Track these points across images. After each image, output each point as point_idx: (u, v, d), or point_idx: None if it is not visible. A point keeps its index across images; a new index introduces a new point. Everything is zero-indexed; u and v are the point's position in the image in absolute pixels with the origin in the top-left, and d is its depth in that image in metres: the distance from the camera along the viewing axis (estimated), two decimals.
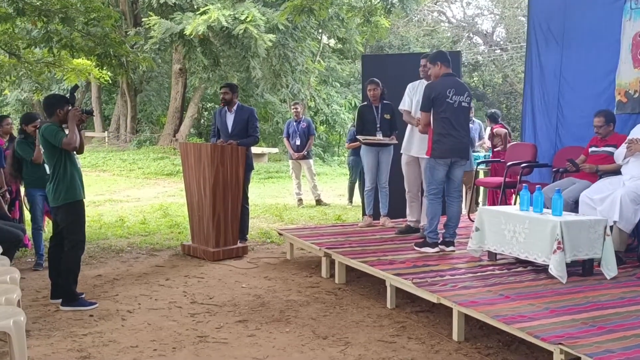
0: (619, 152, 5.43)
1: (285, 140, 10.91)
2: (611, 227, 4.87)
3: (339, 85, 25.21)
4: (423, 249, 5.54)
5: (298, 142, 10.56)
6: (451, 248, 5.57)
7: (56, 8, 7.44)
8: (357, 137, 7.05)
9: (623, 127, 5.84)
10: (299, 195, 10.80)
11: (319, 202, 10.87)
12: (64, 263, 4.78)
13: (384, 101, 6.84)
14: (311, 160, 10.94)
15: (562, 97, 6.97)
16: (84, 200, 4.88)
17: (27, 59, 9.40)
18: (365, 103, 6.99)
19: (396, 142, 6.70)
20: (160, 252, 6.88)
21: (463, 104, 5.49)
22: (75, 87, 5.29)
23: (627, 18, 6.18)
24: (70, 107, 4.78)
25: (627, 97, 6.18)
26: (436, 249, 5.52)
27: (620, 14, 6.21)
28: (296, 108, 10.83)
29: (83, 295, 4.92)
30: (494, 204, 7.94)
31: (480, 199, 9.50)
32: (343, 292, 5.22)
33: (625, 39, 6.17)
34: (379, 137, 6.70)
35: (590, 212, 5.10)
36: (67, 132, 4.71)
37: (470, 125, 9.73)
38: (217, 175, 6.31)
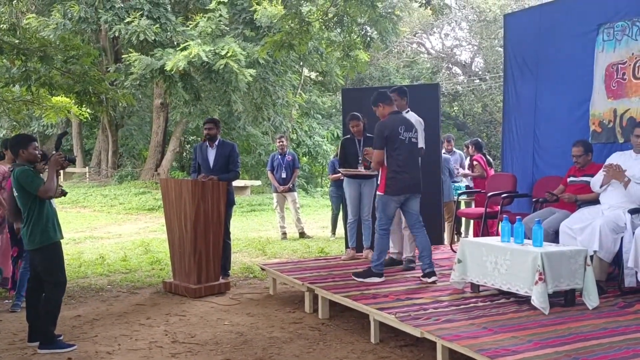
0: (596, 180, 5.49)
1: (269, 173, 10.90)
2: (591, 257, 4.90)
3: (320, 117, 25.38)
4: (368, 280, 5.60)
5: (284, 175, 10.56)
6: (433, 278, 5.56)
7: (35, 47, 7.45)
8: (339, 169, 7.08)
9: (598, 156, 5.92)
10: (283, 229, 10.77)
11: (302, 234, 10.84)
12: (43, 305, 4.68)
13: (367, 134, 6.88)
14: (296, 193, 10.93)
15: (538, 127, 7.07)
16: (60, 241, 4.81)
17: (5, 97, 9.35)
18: (348, 136, 7.04)
19: (377, 173, 6.73)
20: (141, 290, 6.78)
21: (413, 139, 5.72)
22: (65, 133, 5.30)
23: (599, 49, 6.32)
24: (54, 152, 4.74)
25: (601, 127, 6.29)
26: (382, 279, 5.64)
27: (593, 46, 6.36)
28: (281, 141, 10.87)
29: (61, 337, 4.81)
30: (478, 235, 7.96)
31: (463, 229, 9.54)
32: (327, 328, 5.17)
33: (598, 70, 6.31)
34: (361, 169, 6.72)
35: (570, 242, 5.13)
36: (41, 174, 4.67)
37: (450, 156, 9.86)
38: (198, 211, 6.27)
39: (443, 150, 10.19)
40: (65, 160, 4.75)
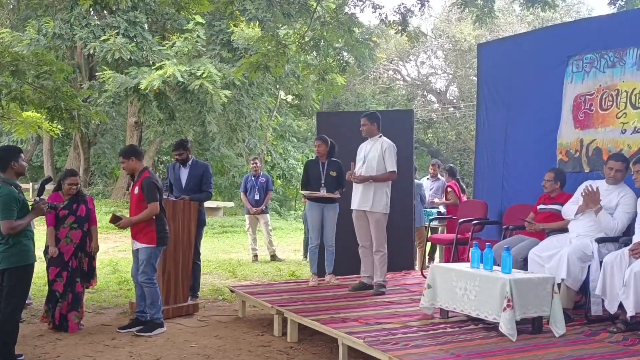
0: (568, 208, 5.56)
1: (242, 195, 10.84)
2: (559, 285, 4.94)
3: (295, 140, 25.41)
4: (155, 332, 5.60)
5: (257, 197, 10.50)
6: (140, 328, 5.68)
7: (7, 61, 7.35)
8: (301, 192, 7.11)
9: (565, 185, 6.01)
10: (254, 251, 10.69)
11: (273, 257, 10.77)
12: (1, 325, 4.53)
13: (332, 158, 6.92)
14: (268, 215, 10.89)
15: (508, 155, 7.17)
16: (34, 263, 4.71)
17: None
18: (313, 158, 7.10)
19: (339, 196, 6.76)
20: (108, 310, 6.66)
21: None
22: (49, 179, 5.23)
23: (568, 81, 6.46)
24: (36, 199, 4.69)
25: (568, 156, 6.41)
26: (164, 328, 5.69)
27: (562, 77, 6.49)
28: (255, 163, 10.85)
29: (22, 357, 4.71)
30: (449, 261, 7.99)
31: (437, 254, 9.56)
32: (295, 352, 5.13)
33: (566, 101, 6.44)
34: (322, 192, 6.73)
35: (538, 270, 5.18)
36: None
37: (432, 182, 9.93)
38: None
39: (428, 176, 10.28)
40: (48, 208, 4.75)
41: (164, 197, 6.70)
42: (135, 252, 5.81)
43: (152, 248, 5.64)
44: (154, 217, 5.63)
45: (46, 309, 5.74)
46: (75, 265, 5.79)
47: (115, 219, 5.75)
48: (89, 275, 5.97)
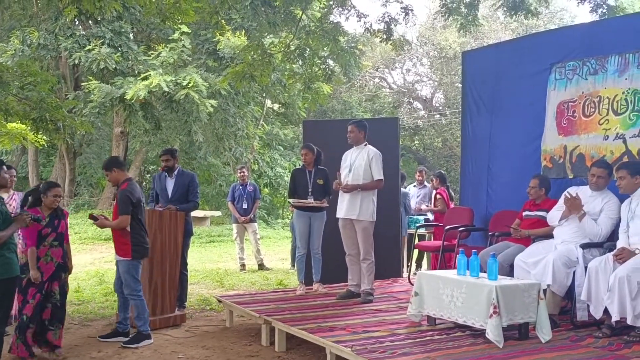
0: (552, 214, 5.61)
1: (230, 204, 10.82)
2: (545, 291, 4.98)
3: (282, 148, 25.42)
4: (142, 344, 5.55)
5: (245, 206, 10.49)
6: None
7: None
8: (289, 200, 7.13)
9: (549, 191, 6.06)
10: (242, 260, 10.66)
11: (261, 266, 10.75)
12: None
13: (319, 166, 6.95)
14: (256, 224, 10.87)
15: (492, 161, 7.22)
16: (18, 276, 4.66)
17: None
18: (299, 167, 7.12)
19: (327, 205, 6.78)
20: (94, 322, 6.61)
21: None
22: (34, 189, 5.22)
23: (551, 88, 6.53)
24: (18, 211, 4.66)
25: (552, 162, 6.48)
26: (152, 340, 5.64)
27: (546, 84, 6.57)
28: (242, 172, 10.84)
29: None
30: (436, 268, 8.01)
31: (425, 262, 9.58)
32: None
33: (550, 107, 6.52)
34: (310, 200, 6.75)
35: (524, 276, 5.21)
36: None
37: (419, 189, 9.95)
38: (154, 241, 6.17)
39: (414, 183, 10.30)
40: (31, 219, 4.71)
41: (151, 207, 6.71)
42: (117, 264, 5.80)
43: (128, 261, 5.61)
44: (128, 229, 5.59)
45: (17, 338, 5.11)
46: (50, 289, 5.23)
47: (93, 218, 5.71)
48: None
